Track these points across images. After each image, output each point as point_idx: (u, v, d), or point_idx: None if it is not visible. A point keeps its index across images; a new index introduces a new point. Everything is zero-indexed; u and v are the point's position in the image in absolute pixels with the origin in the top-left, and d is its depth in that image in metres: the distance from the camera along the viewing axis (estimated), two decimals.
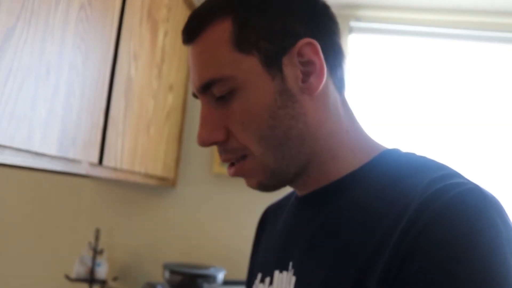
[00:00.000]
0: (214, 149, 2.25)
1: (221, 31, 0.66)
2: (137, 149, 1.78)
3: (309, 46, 0.66)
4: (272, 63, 0.65)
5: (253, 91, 0.65)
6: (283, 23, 0.66)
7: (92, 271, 2.08)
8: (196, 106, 2.35)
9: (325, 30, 0.69)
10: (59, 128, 1.23)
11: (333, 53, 0.70)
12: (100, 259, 2.14)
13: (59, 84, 1.22)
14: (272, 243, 0.81)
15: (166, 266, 1.92)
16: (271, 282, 0.75)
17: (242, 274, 2.16)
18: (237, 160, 0.69)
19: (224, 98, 0.67)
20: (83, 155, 1.37)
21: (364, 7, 2.30)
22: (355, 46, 2.35)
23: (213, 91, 0.67)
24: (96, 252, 2.10)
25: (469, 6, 2.19)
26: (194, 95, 0.72)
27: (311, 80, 0.66)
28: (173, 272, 1.88)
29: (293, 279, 0.69)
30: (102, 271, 2.13)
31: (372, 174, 0.67)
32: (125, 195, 2.36)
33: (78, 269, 2.10)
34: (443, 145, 2.25)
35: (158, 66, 1.91)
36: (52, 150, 1.21)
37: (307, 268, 0.67)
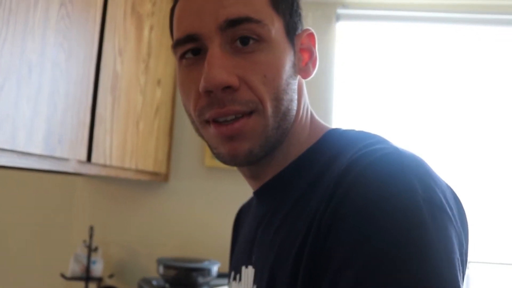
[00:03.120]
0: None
1: None
2: (126, 145, 1.77)
3: (311, 37, 0.73)
4: (290, 35, 0.69)
5: (278, 50, 0.66)
6: (299, 7, 0.73)
7: (87, 269, 2.08)
8: None
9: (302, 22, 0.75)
10: (44, 127, 1.22)
11: None
12: (95, 257, 2.13)
13: (42, 82, 1.21)
14: (242, 241, 0.83)
15: (160, 261, 1.92)
16: (240, 279, 0.77)
17: None
18: (242, 115, 0.64)
19: (248, 45, 0.64)
20: (70, 153, 1.36)
21: None
22: (343, 33, 2.34)
23: (240, 31, 0.63)
24: (91, 249, 2.09)
25: None
26: (188, 40, 0.65)
27: (309, 65, 0.72)
28: (167, 266, 1.88)
29: (253, 271, 0.71)
30: (97, 269, 2.13)
31: (314, 157, 0.69)
32: (118, 192, 2.35)
33: (73, 268, 2.10)
34: (434, 133, 2.25)
35: (145, 61, 1.90)
36: (38, 149, 1.20)
37: (261, 259, 0.69)
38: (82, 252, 2.13)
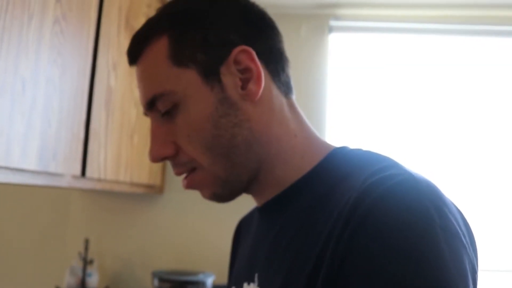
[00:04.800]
0: None
1: (159, 49, 0.67)
2: (121, 158, 1.78)
3: (244, 53, 0.67)
4: (210, 74, 0.66)
5: (194, 103, 0.66)
6: (217, 34, 0.67)
7: (83, 282, 2.08)
8: None
9: (262, 36, 0.70)
10: (38, 143, 1.23)
11: (273, 58, 0.71)
12: (91, 269, 2.13)
13: (36, 99, 1.22)
14: (243, 255, 0.82)
15: (155, 274, 1.92)
16: None
17: None
18: (188, 173, 0.69)
19: (169, 113, 0.67)
20: (64, 168, 1.37)
21: (343, 5, 2.32)
22: (336, 45, 2.36)
23: (158, 107, 0.68)
24: (86, 262, 2.09)
25: (450, 0, 2.21)
26: (145, 114, 0.73)
27: (250, 86, 0.67)
28: (162, 279, 1.89)
29: None
30: (93, 281, 2.13)
31: (320, 177, 0.68)
32: (113, 204, 2.36)
33: (69, 280, 2.10)
34: (428, 144, 2.26)
35: None
36: (31, 165, 1.21)
37: (268, 278, 0.68)
38: (78, 264, 2.13)
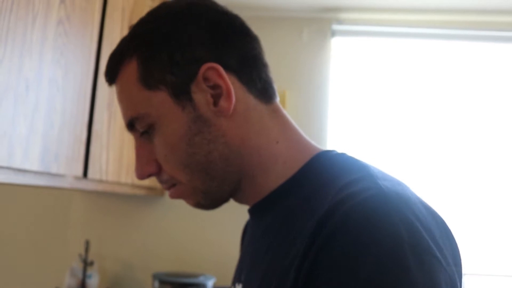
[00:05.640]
0: None
1: (130, 72, 0.68)
2: (122, 160, 1.78)
3: (211, 70, 0.66)
4: (181, 93, 0.66)
5: (167, 124, 0.67)
6: (183, 53, 0.67)
7: (83, 283, 2.07)
8: None
9: (232, 47, 0.69)
10: (41, 144, 1.23)
11: (247, 68, 0.70)
12: (91, 271, 2.13)
13: (39, 100, 1.22)
14: (240, 256, 0.85)
15: (155, 276, 1.92)
16: None
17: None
18: (172, 185, 0.71)
19: (147, 133, 0.69)
20: (66, 169, 1.37)
21: (346, 9, 2.32)
22: (338, 49, 2.36)
23: (136, 128, 0.70)
24: (87, 264, 2.09)
25: (451, 5, 2.21)
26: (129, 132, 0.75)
27: (221, 103, 0.67)
28: (162, 282, 1.88)
29: None
30: (93, 283, 2.12)
31: (299, 184, 0.68)
32: (114, 206, 2.36)
33: (69, 282, 2.10)
34: (429, 147, 2.26)
35: None
36: (34, 166, 1.21)
37: (250, 280, 0.70)
38: (78, 266, 2.13)
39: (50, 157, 1.28)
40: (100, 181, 1.63)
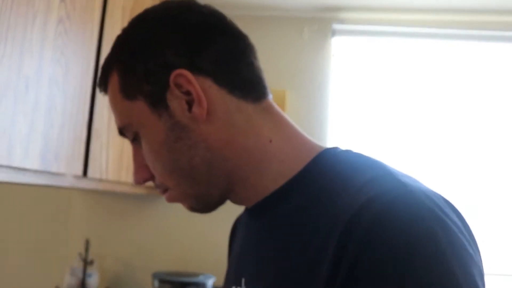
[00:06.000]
0: None
1: (114, 82, 0.69)
2: (123, 159, 1.77)
3: (180, 77, 0.64)
4: (157, 102, 0.66)
5: (148, 133, 0.67)
6: (157, 61, 0.66)
7: (83, 282, 2.07)
8: None
9: (206, 48, 0.67)
10: (41, 143, 1.23)
11: (226, 68, 0.67)
12: (91, 270, 2.13)
13: (39, 99, 1.22)
14: (233, 257, 0.82)
15: (155, 276, 1.92)
16: None
17: None
18: (164, 192, 0.72)
19: (135, 140, 0.70)
20: (66, 168, 1.37)
21: (347, 9, 2.32)
22: (338, 48, 2.36)
23: (126, 136, 0.71)
24: (87, 263, 2.09)
25: (452, 5, 2.21)
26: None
27: (194, 109, 0.65)
28: (162, 281, 1.88)
29: None
30: (93, 282, 2.12)
31: (307, 181, 0.65)
32: (114, 205, 2.36)
33: (69, 281, 2.10)
34: (430, 147, 2.26)
35: None
36: (34, 165, 1.21)
37: (254, 285, 0.68)
38: (78, 265, 2.12)
39: (50, 155, 1.28)
40: (100, 180, 1.63)
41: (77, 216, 2.37)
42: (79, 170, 1.45)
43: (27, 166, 1.18)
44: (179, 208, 2.23)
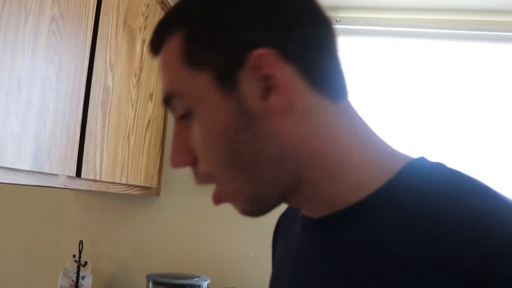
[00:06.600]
0: None
1: (172, 46, 0.59)
2: (117, 159, 1.76)
3: (265, 57, 0.55)
4: (226, 79, 0.56)
5: (207, 112, 0.57)
6: (236, 33, 0.56)
7: (76, 284, 2.05)
8: None
9: (296, 30, 0.57)
10: (33, 143, 1.21)
11: (312, 57, 0.58)
12: (85, 272, 2.11)
13: (32, 98, 1.20)
14: (282, 264, 0.73)
15: (149, 277, 1.90)
16: None
17: (227, 282, 2.14)
18: (204, 184, 0.61)
19: (185, 117, 0.60)
20: (59, 168, 1.35)
21: (345, 8, 2.30)
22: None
23: (172, 109, 0.61)
24: (80, 264, 2.07)
25: (452, 5, 2.20)
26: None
27: (272, 97, 0.56)
28: (156, 283, 1.86)
29: None
30: (87, 284, 2.10)
31: (396, 198, 0.56)
32: (108, 206, 2.34)
33: (62, 283, 2.08)
34: (431, 145, 2.25)
35: (137, 75, 1.90)
36: (26, 165, 1.19)
37: None
38: (71, 267, 2.10)
39: (42, 156, 1.26)
40: (94, 180, 1.61)
41: (71, 216, 2.35)
42: (72, 170, 1.43)
43: (19, 166, 1.16)
44: (175, 209, 2.23)
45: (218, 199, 0.61)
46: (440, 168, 0.59)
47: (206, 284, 1.94)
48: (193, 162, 0.60)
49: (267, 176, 0.58)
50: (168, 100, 0.61)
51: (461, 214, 0.50)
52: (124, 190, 1.92)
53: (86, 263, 2.11)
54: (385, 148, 0.63)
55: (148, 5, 1.96)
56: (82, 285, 2.08)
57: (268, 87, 0.56)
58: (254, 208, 0.60)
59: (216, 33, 0.57)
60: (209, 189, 0.61)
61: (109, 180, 1.71)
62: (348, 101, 0.63)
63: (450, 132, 2.25)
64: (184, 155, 0.60)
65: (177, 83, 0.59)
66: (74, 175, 1.45)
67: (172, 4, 2.24)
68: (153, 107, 2.10)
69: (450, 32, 2.27)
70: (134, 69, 1.87)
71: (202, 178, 0.61)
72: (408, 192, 0.56)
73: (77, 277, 2.05)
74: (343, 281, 0.57)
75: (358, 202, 0.58)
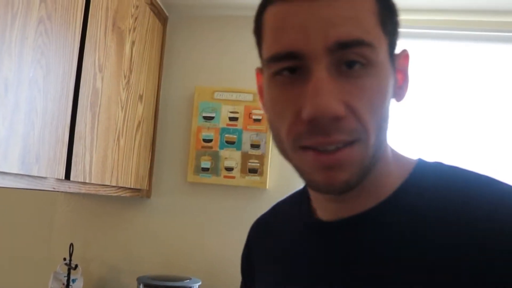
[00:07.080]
0: (188, 157, 2.23)
1: (370, 1, 0.61)
2: (107, 161, 1.75)
3: (407, 58, 0.68)
4: (392, 56, 0.64)
5: (383, 74, 0.61)
6: (399, 23, 0.66)
7: (67, 287, 2.04)
8: (168, 115, 2.33)
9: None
10: (21, 146, 1.20)
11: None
12: (75, 275, 2.10)
13: (19, 101, 1.19)
14: (290, 269, 0.74)
15: (139, 280, 1.89)
16: None
17: (218, 284, 2.14)
18: (345, 145, 0.59)
19: (353, 69, 0.58)
20: (48, 171, 1.34)
21: None
22: None
23: (350, 55, 0.58)
24: (71, 267, 2.06)
25: (453, 4, 2.20)
26: (289, 57, 0.59)
27: (403, 88, 0.67)
28: (146, 285, 1.86)
29: None
30: (77, 287, 2.09)
31: (410, 198, 0.63)
32: (98, 208, 2.32)
33: (53, 286, 2.06)
34: (430, 147, 2.25)
35: (126, 77, 1.89)
36: (14, 169, 1.18)
37: None
38: (62, 270, 2.09)
39: (30, 159, 1.25)
40: (84, 183, 1.60)
41: (61, 219, 2.34)
42: (61, 173, 1.42)
43: (7, 170, 1.15)
44: (165, 211, 2.21)
45: (333, 161, 0.59)
46: (441, 167, 0.66)
47: (197, 286, 1.94)
48: (344, 115, 0.57)
49: (380, 151, 0.63)
50: (349, 45, 0.58)
51: (479, 201, 0.58)
52: (114, 193, 1.91)
53: (76, 266, 2.09)
54: (393, 151, 0.69)
55: (137, 7, 1.95)
56: None
57: (404, 80, 0.69)
58: (355, 182, 0.61)
59: (396, 15, 0.66)
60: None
61: (99, 183, 1.70)
62: None
63: (450, 132, 2.26)
64: (339, 103, 0.57)
65: (372, 36, 0.59)
66: (63, 178, 1.44)
67: (161, 5, 2.23)
68: (143, 109, 2.09)
69: (450, 33, 2.27)
70: (124, 70, 1.86)
71: (345, 133, 0.58)
72: (423, 192, 0.63)
73: (68, 280, 2.04)
74: (373, 282, 0.61)
75: (380, 204, 0.64)
